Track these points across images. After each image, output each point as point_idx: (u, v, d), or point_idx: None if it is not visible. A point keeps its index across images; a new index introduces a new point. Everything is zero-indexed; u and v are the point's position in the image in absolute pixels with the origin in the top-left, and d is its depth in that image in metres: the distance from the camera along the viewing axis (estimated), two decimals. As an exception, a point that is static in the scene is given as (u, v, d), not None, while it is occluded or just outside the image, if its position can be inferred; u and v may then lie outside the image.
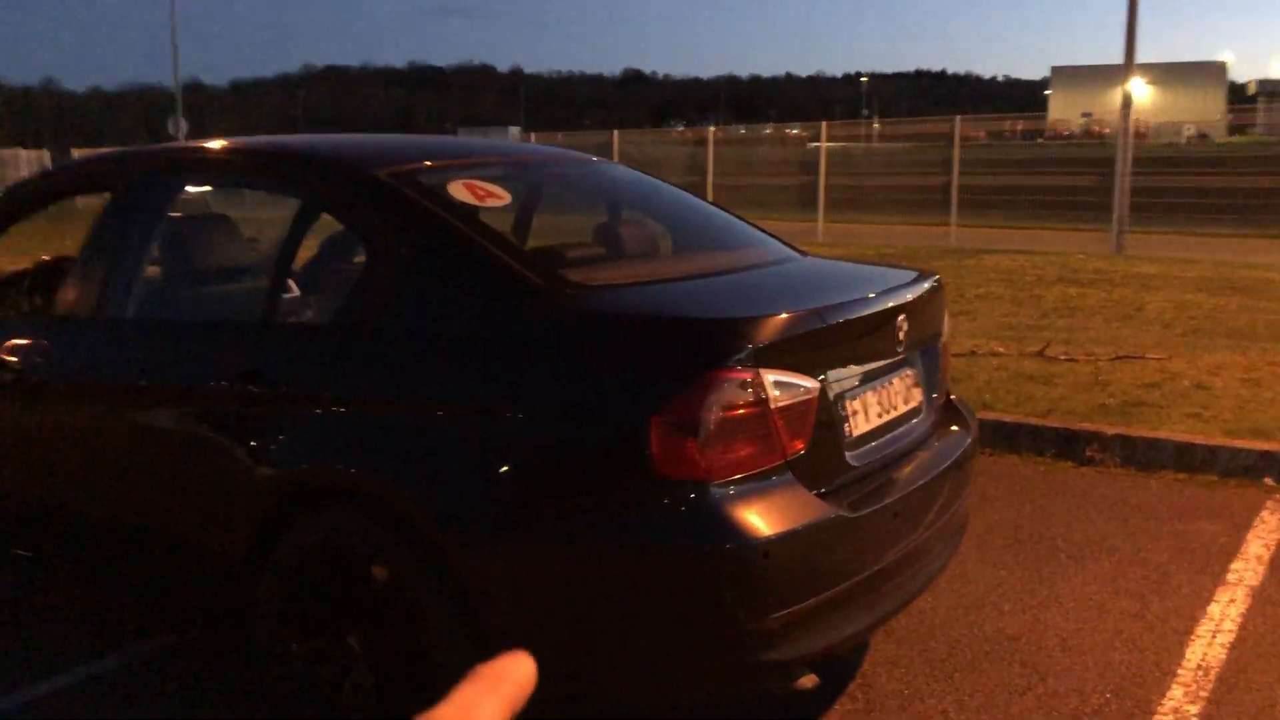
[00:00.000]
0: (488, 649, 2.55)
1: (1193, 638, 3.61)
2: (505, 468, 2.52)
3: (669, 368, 2.46)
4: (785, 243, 3.73)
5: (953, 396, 3.54)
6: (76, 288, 3.27)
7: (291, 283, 3.08)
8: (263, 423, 2.81)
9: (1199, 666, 3.41)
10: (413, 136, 3.86)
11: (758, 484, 2.49)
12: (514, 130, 75.33)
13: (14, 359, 3.28)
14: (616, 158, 24.72)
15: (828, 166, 22.31)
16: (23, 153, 39.73)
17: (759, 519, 2.44)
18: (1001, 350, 7.81)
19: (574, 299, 2.67)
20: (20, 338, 3.38)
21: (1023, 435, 5.81)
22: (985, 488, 5.20)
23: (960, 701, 3.22)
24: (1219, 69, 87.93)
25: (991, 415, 5.98)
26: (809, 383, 2.60)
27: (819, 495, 2.61)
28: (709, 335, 2.51)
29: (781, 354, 2.54)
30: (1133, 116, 18.25)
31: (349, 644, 2.78)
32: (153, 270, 3.35)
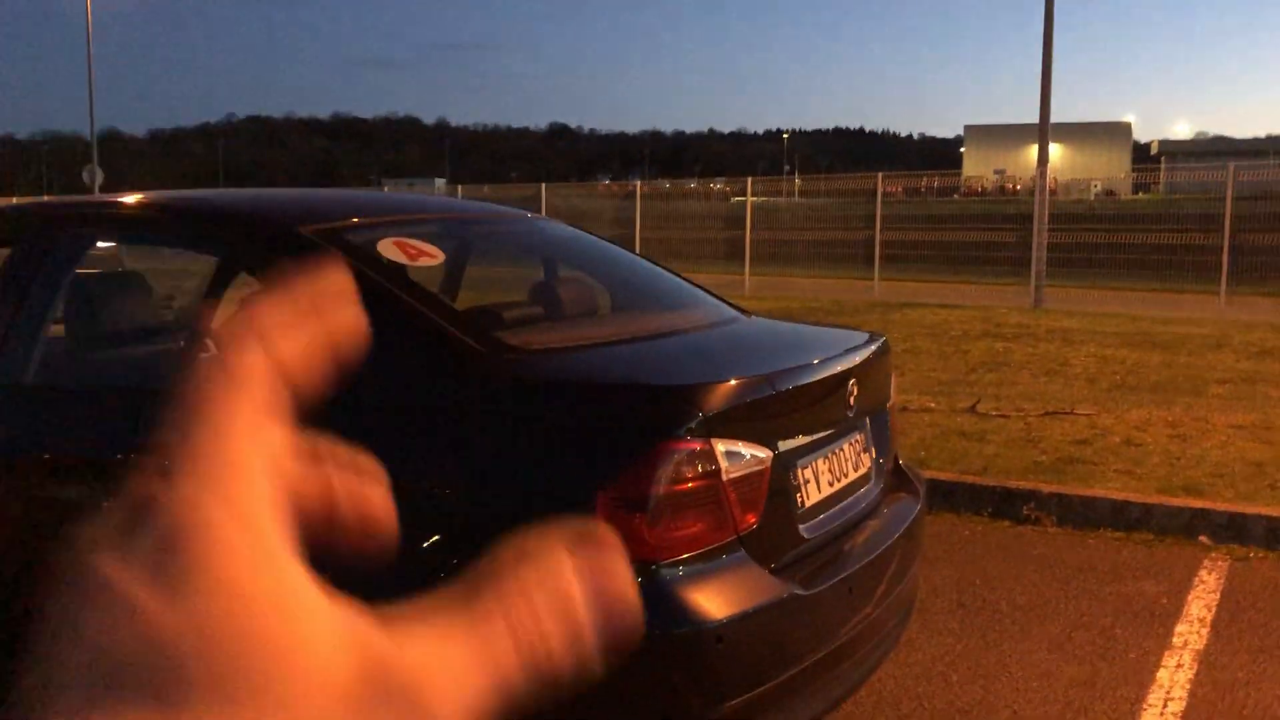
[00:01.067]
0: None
1: (1144, 706, 3.53)
2: (439, 549, 2.34)
3: (616, 439, 2.32)
4: (729, 302, 3.62)
5: (900, 461, 3.45)
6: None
7: (210, 345, 2.87)
8: None
9: (1153, 737, 3.33)
10: (342, 191, 3.70)
11: (709, 563, 2.35)
12: (440, 182, 75.08)
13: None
14: (544, 211, 24.70)
15: (753, 221, 22.53)
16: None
17: (711, 601, 2.29)
18: (933, 406, 7.80)
19: (512, 365, 2.51)
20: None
21: (960, 494, 5.76)
22: (927, 548, 5.11)
23: (915, 781, 3.09)
24: (1124, 129, 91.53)
25: (927, 473, 5.90)
26: (761, 452, 2.48)
27: (772, 572, 2.47)
28: (659, 404, 2.37)
29: (733, 422, 2.41)
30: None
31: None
32: (58, 331, 3.11)
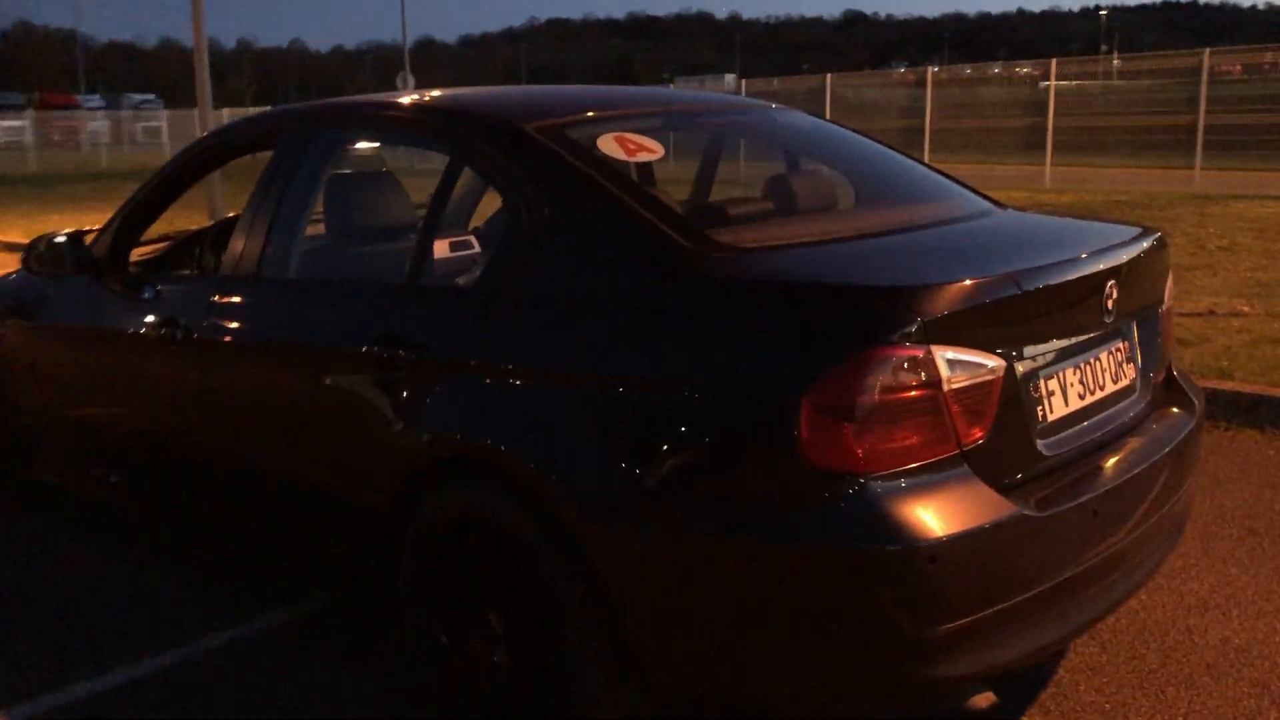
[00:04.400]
0: (624, 640, 2.37)
1: None
2: (641, 445, 2.30)
3: (822, 342, 2.17)
4: (982, 195, 3.33)
5: (1175, 372, 3.08)
6: (236, 246, 3.26)
7: (438, 243, 2.94)
8: (401, 387, 2.70)
9: None
10: (573, 87, 3.66)
11: (925, 477, 2.18)
12: (729, 78, 74.58)
13: (182, 317, 3.30)
14: (829, 102, 23.91)
15: (1058, 106, 20.85)
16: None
17: (925, 518, 2.13)
18: (1246, 310, 7.00)
19: (721, 263, 2.41)
20: (189, 296, 3.41)
21: (1265, 408, 5.14)
22: (1218, 468, 4.63)
23: (1172, 723, 2.81)
24: None
25: (1229, 385, 5.33)
26: (992, 361, 2.26)
27: (1001, 490, 2.27)
28: (871, 306, 2.20)
29: (959, 328, 2.21)
30: None
31: (490, 623, 2.66)
32: (310, 229, 3.30)
